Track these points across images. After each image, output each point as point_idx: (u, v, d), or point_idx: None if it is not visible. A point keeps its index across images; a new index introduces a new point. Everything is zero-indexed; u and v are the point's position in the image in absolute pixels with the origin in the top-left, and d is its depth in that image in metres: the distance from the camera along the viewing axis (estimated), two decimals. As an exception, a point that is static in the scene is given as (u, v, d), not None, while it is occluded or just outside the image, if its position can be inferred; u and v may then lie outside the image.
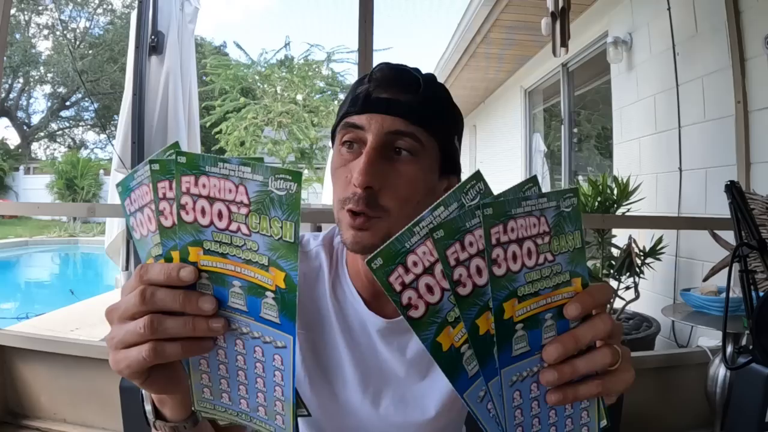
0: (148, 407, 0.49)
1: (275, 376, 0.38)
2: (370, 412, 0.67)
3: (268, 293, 0.35)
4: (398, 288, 0.33)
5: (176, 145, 0.38)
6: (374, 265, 0.32)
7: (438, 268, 0.33)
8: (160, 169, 0.36)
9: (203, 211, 0.35)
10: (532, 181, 0.36)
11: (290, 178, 0.33)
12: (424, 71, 0.64)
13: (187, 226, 0.36)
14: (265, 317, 0.36)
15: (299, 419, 0.73)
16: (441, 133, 0.61)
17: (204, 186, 0.35)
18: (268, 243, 0.34)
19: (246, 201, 0.34)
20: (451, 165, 0.64)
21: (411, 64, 0.63)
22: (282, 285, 0.35)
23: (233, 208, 0.35)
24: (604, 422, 0.41)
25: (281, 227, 0.34)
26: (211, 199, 0.35)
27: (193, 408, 0.43)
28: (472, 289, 0.34)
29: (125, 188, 0.40)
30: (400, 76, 0.60)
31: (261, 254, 0.35)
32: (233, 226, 0.35)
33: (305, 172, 11.72)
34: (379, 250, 0.33)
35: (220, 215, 0.35)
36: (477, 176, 0.35)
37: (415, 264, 0.33)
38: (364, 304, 0.67)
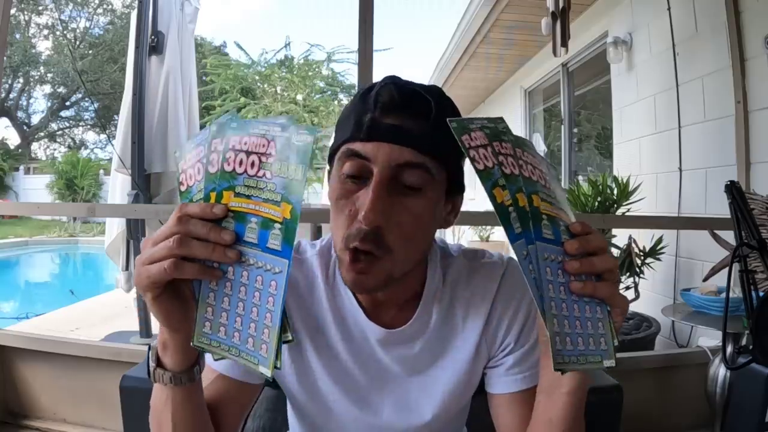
0: (151, 358, 0.54)
1: (268, 302, 0.44)
2: (371, 419, 0.67)
3: (276, 225, 0.43)
4: (467, 145, 0.43)
5: (236, 112, 0.47)
6: (453, 125, 0.43)
7: (489, 149, 0.44)
8: (217, 130, 0.47)
9: (241, 162, 0.45)
10: (529, 139, 0.51)
11: (307, 132, 0.43)
12: (427, 80, 0.62)
13: (227, 174, 0.46)
14: (270, 246, 0.44)
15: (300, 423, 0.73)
16: (451, 159, 0.58)
17: (245, 143, 0.45)
18: (284, 182, 0.43)
19: (273, 153, 0.44)
20: (458, 186, 0.62)
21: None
22: (288, 216, 0.43)
23: (263, 159, 0.44)
24: (616, 341, 0.46)
25: (295, 169, 0.43)
26: (248, 153, 0.45)
27: (192, 343, 0.47)
28: (511, 171, 0.44)
29: (184, 151, 0.49)
30: (409, 100, 0.56)
31: (277, 193, 0.43)
32: (260, 173, 0.44)
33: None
34: (456, 118, 0.45)
35: (252, 164, 0.45)
36: (501, 119, 0.48)
37: (475, 138, 0.44)
38: (364, 313, 0.66)
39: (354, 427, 0.68)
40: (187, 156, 0.48)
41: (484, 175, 0.42)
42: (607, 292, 0.46)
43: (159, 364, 0.54)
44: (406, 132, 0.54)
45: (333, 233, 0.60)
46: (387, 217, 0.54)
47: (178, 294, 0.48)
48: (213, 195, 0.46)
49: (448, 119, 0.43)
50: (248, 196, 0.44)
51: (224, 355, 0.46)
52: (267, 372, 0.43)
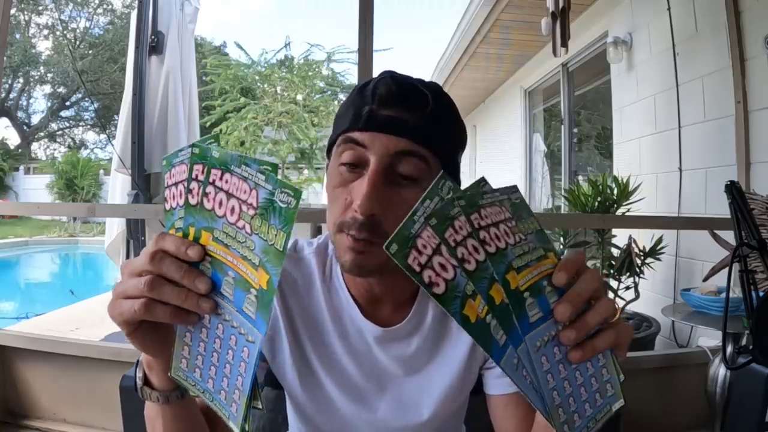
0: (138, 374, 0.52)
1: (240, 366, 0.42)
2: (369, 417, 0.68)
3: (252, 290, 0.39)
4: (417, 269, 0.36)
5: (217, 137, 0.43)
6: (392, 250, 0.35)
7: (444, 249, 0.37)
8: (199, 153, 0.42)
9: (221, 203, 0.40)
10: (483, 180, 0.41)
11: (292, 194, 0.37)
12: (426, 78, 0.62)
13: (206, 212, 0.41)
14: (245, 311, 0.40)
15: (297, 421, 0.74)
16: (446, 152, 0.59)
17: (227, 182, 0.40)
18: (263, 246, 0.38)
19: (255, 204, 0.39)
20: (454, 179, 0.62)
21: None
22: (264, 286, 0.39)
23: (244, 208, 0.39)
24: (621, 377, 0.45)
25: (275, 235, 0.38)
26: (229, 195, 0.40)
27: (169, 374, 0.46)
28: (476, 264, 0.38)
29: (168, 163, 0.45)
30: (406, 93, 0.57)
31: (255, 254, 0.39)
32: (240, 223, 0.39)
33: (305, 171, 11.73)
34: (392, 236, 0.35)
35: (232, 210, 0.40)
36: (442, 176, 0.39)
37: (424, 246, 0.36)
38: (360, 311, 0.66)
39: (352, 425, 0.68)
40: (172, 171, 0.44)
41: (446, 297, 0.36)
42: (608, 342, 0.42)
43: (146, 382, 0.53)
44: (402, 123, 0.55)
45: (327, 220, 0.60)
46: (383, 205, 0.54)
47: (155, 326, 0.45)
48: (192, 230, 0.42)
49: (384, 246, 0.36)
50: (227, 246, 0.40)
51: (198, 395, 0.46)
52: (235, 429, 0.43)
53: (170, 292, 0.41)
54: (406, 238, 0.36)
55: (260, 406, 0.43)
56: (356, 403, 0.67)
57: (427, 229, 0.37)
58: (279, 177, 0.38)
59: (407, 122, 0.55)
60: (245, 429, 0.42)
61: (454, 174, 0.61)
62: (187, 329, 0.45)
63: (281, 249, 0.37)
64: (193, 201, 0.42)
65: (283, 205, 0.37)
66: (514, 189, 0.42)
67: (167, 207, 0.45)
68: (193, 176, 0.42)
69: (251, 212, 0.39)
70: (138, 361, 0.53)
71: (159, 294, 0.41)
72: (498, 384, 0.67)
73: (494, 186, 0.41)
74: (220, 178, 0.40)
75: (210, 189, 0.41)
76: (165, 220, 0.45)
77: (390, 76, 0.58)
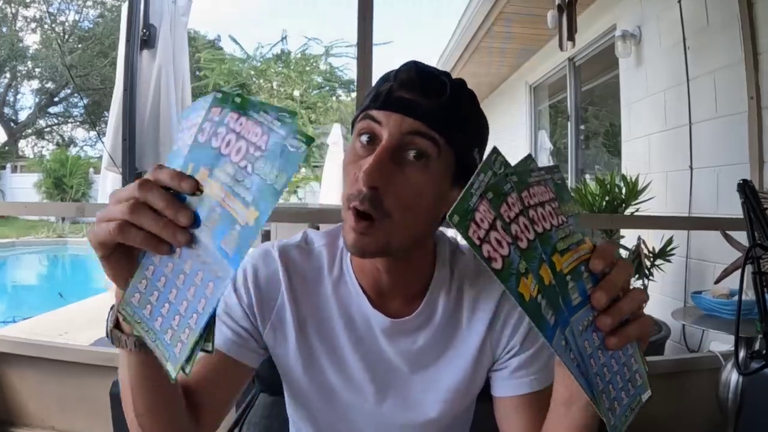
0: (111, 317, 0.53)
1: (200, 303, 0.42)
2: (374, 410, 0.69)
3: (236, 226, 0.40)
4: (477, 242, 0.37)
5: (243, 87, 0.45)
6: (454, 221, 0.36)
7: (499, 224, 0.38)
8: (221, 98, 0.44)
9: (228, 143, 0.42)
10: (530, 157, 0.43)
11: (304, 140, 0.39)
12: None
13: (210, 149, 0.43)
14: (223, 246, 0.41)
15: (298, 420, 0.73)
16: (460, 143, 0.61)
17: (241, 125, 0.42)
18: (261, 185, 0.40)
19: (263, 147, 0.40)
20: (468, 176, 0.63)
21: (412, 59, 0.63)
22: (251, 222, 0.40)
23: (251, 150, 0.41)
24: (646, 367, 0.48)
25: (277, 176, 0.39)
26: (239, 136, 0.42)
27: (118, 309, 0.48)
28: (528, 243, 0.39)
29: (187, 111, 0.47)
30: (426, 79, 0.60)
31: (250, 193, 0.40)
32: (242, 163, 0.41)
33: (302, 170, 11.73)
34: (453, 207, 0.36)
35: (238, 151, 0.41)
36: (495, 150, 0.41)
37: (481, 220, 0.37)
38: (369, 302, 0.68)
39: (352, 415, 0.70)
40: (190, 116, 0.47)
41: (503, 274, 0.37)
42: (639, 331, 0.46)
43: (117, 325, 0.52)
44: (417, 105, 0.59)
45: (342, 198, 0.63)
46: (386, 181, 0.57)
47: (129, 256, 0.47)
48: (190, 166, 0.44)
49: (447, 216, 0.37)
50: (222, 183, 0.42)
51: (141, 335, 0.46)
52: (172, 373, 0.43)
53: (149, 219, 0.42)
54: (465, 210, 0.37)
55: (210, 349, 0.44)
56: (357, 392, 0.69)
57: (484, 203, 0.38)
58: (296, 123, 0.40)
59: (422, 105, 0.59)
60: (185, 371, 0.42)
61: (467, 166, 0.63)
62: (151, 262, 0.45)
63: (279, 189, 0.39)
64: (201, 139, 0.44)
65: (291, 150, 0.39)
66: (556, 169, 0.45)
67: (174, 148, 0.47)
68: (209, 117, 0.44)
69: (257, 153, 0.40)
70: (112, 306, 0.53)
71: (137, 219, 0.42)
72: (506, 386, 0.68)
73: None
74: (236, 120, 0.42)
75: (221, 129, 0.43)
76: (169, 162, 0.46)
77: (414, 62, 0.63)
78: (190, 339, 0.42)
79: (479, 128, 0.65)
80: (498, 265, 0.37)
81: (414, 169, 0.58)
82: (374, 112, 0.60)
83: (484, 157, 0.41)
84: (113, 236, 0.43)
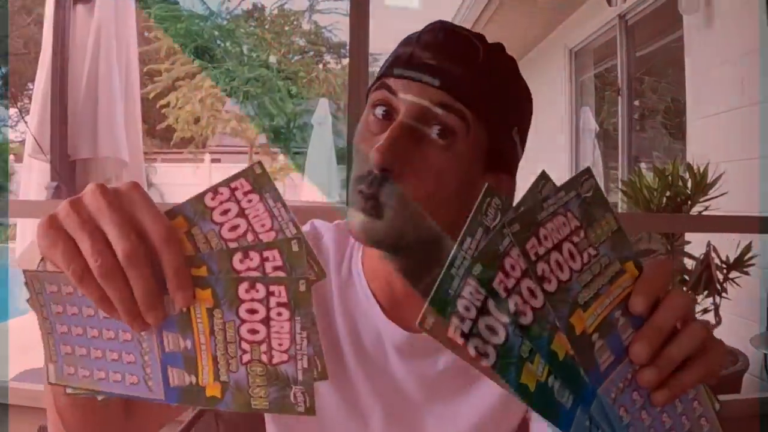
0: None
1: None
2: None
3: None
4: (461, 340, 0.35)
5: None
6: (427, 326, 0.34)
7: (491, 305, 0.36)
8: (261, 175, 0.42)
9: (226, 212, 0.41)
10: (543, 177, 0.41)
11: (315, 272, 0.40)
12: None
13: (202, 206, 0.41)
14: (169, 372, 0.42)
15: None
16: (494, 120, 0.62)
17: (249, 201, 0.41)
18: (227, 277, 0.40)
19: (263, 240, 0.40)
20: (503, 162, 0.65)
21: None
22: (217, 394, 0.42)
23: (248, 236, 0.40)
24: (717, 405, 0.46)
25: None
26: (241, 211, 0.41)
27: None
28: (533, 316, 0.38)
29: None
30: (454, 42, 0.62)
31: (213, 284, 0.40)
32: (231, 238, 0.40)
33: (279, 157, 11.74)
34: (425, 307, 0.34)
35: (233, 227, 0.41)
36: (488, 192, 0.38)
37: (467, 309, 0.36)
38: (382, 311, 0.68)
39: None
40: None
41: (498, 366, 0.36)
42: (699, 374, 0.43)
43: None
44: (442, 72, 0.59)
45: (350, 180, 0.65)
46: (401, 162, 0.58)
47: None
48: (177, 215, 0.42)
49: (420, 317, 0.35)
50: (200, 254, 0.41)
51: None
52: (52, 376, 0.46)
53: (116, 291, 0.39)
54: (444, 303, 0.35)
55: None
56: (357, 421, 0.70)
57: (469, 282, 0.36)
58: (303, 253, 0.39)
59: (448, 72, 0.59)
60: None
61: (504, 153, 0.64)
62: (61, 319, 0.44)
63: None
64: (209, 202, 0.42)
65: (303, 289, 0.39)
66: (585, 176, 0.42)
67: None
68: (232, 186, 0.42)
69: (251, 240, 0.40)
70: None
71: (106, 285, 0.39)
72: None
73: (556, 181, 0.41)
74: (245, 195, 0.41)
75: (224, 190, 0.41)
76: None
77: (441, 22, 0.64)
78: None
79: (519, 102, 0.66)
80: (490, 360, 0.36)
81: (436, 149, 0.59)
82: (391, 81, 0.61)
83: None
84: (75, 279, 0.40)
